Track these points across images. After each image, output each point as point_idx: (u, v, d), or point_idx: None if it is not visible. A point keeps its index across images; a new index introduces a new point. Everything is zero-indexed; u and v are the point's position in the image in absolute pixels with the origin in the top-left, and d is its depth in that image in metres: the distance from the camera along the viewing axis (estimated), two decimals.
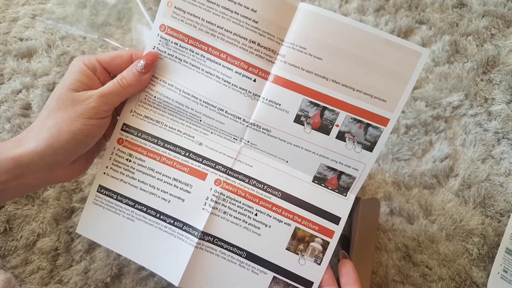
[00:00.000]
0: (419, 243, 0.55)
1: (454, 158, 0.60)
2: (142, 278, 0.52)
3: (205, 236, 0.40)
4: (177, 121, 0.41)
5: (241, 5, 0.38)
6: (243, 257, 0.40)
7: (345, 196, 0.40)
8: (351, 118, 0.38)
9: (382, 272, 0.54)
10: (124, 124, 0.42)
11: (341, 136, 0.39)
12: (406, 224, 0.56)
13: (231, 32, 0.39)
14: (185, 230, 0.41)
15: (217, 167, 0.41)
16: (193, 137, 0.41)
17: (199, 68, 0.40)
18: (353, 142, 0.39)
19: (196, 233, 0.40)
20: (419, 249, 0.55)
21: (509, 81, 0.63)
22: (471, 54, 0.66)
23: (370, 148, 0.39)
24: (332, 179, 0.40)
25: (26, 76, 0.61)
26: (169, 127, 0.41)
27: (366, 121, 0.38)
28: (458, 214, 0.57)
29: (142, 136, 0.42)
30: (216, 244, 0.40)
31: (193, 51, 0.40)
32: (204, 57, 0.40)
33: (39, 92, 0.60)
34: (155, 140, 0.41)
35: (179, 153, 0.41)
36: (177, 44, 0.40)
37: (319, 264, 0.40)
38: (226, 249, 0.40)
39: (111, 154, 0.42)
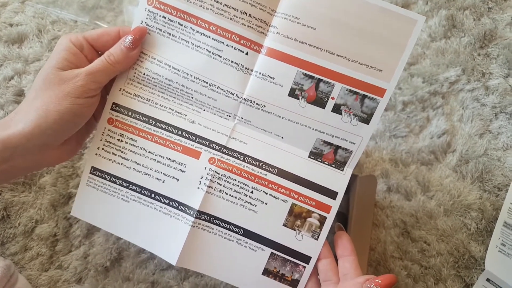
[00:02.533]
0: (417, 219, 0.55)
1: (452, 134, 0.60)
2: (142, 261, 0.52)
3: (201, 215, 0.40)
4: (168, 98, 0.41)
5: None
6: (240, 234, 0.40)
7: (342, 170, 0.40)
8: (347, 90, 0.38)
9: (381, 249, 0.54)
10: (113, 103, 0.41)
11: (337, 109, 0.38)
12: (404, 200, 0.56)
13: (221, 3, 0.38)
14: (181, 210, 0.41)
15: (211, 145, 0.40)
16: (185, 115, 0.41)
17: (188, 42, 0.39)
18: (349, 115, 0.38)
19: (192, 212, 0.40)
20: (417, 225, 0.55)
21: (507, 55, 0.63)
22: (468, 28, 0.65)
23: (366, 120, 0.38)
24: (329, 153, 0.40)
25: (17, 62, 0.61)
26: (160, 105, 0.41)
27: (362, 92, 0.38)
28: (456, 190, 0.57)
29: (133, 116, 0.41)
30: (213, 223, 0.40)
31: (182, 25, 0.39)
32: (194, 30, 0.39)
33: (32, 78, 0.60)
34: (146, 119, 0.41)
35: (172, 132, 0.41)
36: (165, 17, 0.39)
37: (317, 239, 0.40)
38: (222, 227, 0.40)
39: (102, 134, 0.41)
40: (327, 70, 0.38)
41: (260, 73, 0.39)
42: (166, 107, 0.41)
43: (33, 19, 0.63)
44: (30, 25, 0.63)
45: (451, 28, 0.65)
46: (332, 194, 0.40)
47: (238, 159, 0.40)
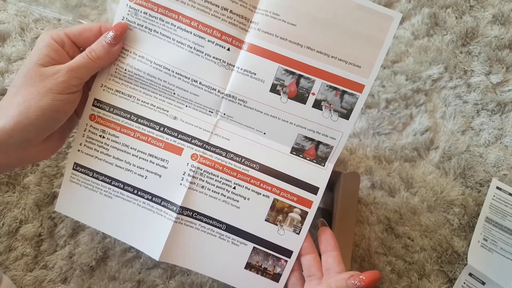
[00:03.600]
0: (400, 215, 0.56)
1: (435, 131, 0.61)
2: (128, 260, 0.52)
3: (183, 210, 0.40)
4: (150, 94, 0.41)
5: None
6: (222, 229, 0.41)
7: (323, 166, 0.41)
8: (327, 86, 0.38)
9: (365, 245, 0.54)
10: (95, 99, 0.41)
11: (317, 104, 0.39)
12: (388, 197, 0.57)
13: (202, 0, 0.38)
14: (163, 206, 0.41)
15: (193, 141, 0.40)
16: (167, 111, 0.41)
17: (170, 38, 0.39)
18: (330, 110, 0.39)
19: (174, 208, 0.40)
20: (401, 221, 0.56)
21: (488, 52, 0.64)
22: (450, 26, 0.66)
23: (346, 115, 0.39)
24: (310, 149, 0.40)
25: (0, 61, 0.60)
26: (142, 101, 0.41)
27: (341, 88, 0.38)
28: (439, 186, 0.58)
29: (115, 112, 0.41)
30: (195, 218, 0.41)
31: (163, 20, 0.39)
32: (175, 26, 0.39)
33: (14, 77, 0.59)
34: (128, 115, 0.41)
35: (154, 128, 0.41)
36: (146, 13, 0.39)
37: (298, 233, 0.40)
38: (205, 222, 0.41)
39: (84, 130, 0.41)
40: (307, 66, 0.38)
41: (241, 69, 0.39)
42: (148, 103, 0.41)
43: (15, 17, 0.63)
44: (13, 24, 0.62)
45: (433, 26, 0.66)
46: (313, 189, 0.40)
47: (221, 155, 0.40)
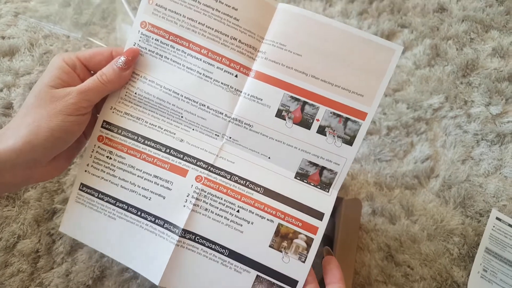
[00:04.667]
0: (401, 243, 0.56)
1: (435, 159, 0.61)
2: (125, 280, 0.52)
3: (186, 233, 0.40)
4: (158, 117, 0.41)
5: (223, 3, 0.39)
6: (225, 255, 0.40)
7: (328, 192, 0.41)
8: (331, 113, 0.39)
9: (365, 272, 0.54)
10: (104, 121, 0.41)
11: (321, 130, 0.40)
12: (388, 224, 0.57)
13: (212, 29, 0.39)
14: (166, 228, 0.41)
15: (198, 163, 0.41)
16: (174, 134, 0.41)
17: (180, 64, 0.40)
18: (334, 136, 0.40)
19: (176, 231, 0.40)
20: (401, 249, 0.56)
21: (488, 84, 0.65)
22: (451, 57, 0.67)
23: (350, 142, 0.40)
24: (314, 175, 0.40)
25: (7, 75, 0.60)
26: (150, 123, 0.41)
27: (345, 115, 0.39)
28: (439, 214, 0.58)
29: (122, 133, 0.41)
30: (198, 242, 0.40)
31: (174, 47, 0.40)
32: (185, 53, 0.40)
33: (21, 91, 0.59)
34: (136, 137, 0.41)
35: (160, 150, 0.41)
36: (157, 40, 0.40)
37: (304, 261, 0.40)
38: (207, 247, 0.40)
39: (92, 151, 0.42)
40: (312, 93, 0.39)
41: (248, 95, 0.40)
42: (156, 126, 0.41)
43: (25, 32, 0.63)
44: (22, 39, 0.63)
45: (435, 56, 0.67)
46: (318, 215, 0.40)
47: (225, 177, 0.40)
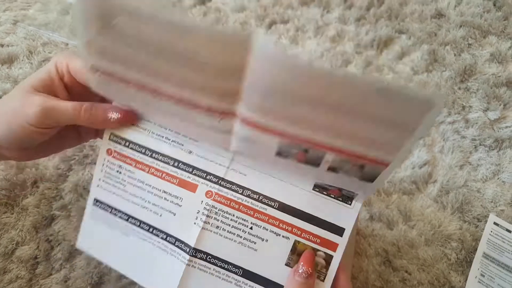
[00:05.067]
0: (398, 248, 0.56)
1: (433, 165, 0.61)
2: (123, 287, 0.52)
3: (197, 253, 0.37)
4: (165, 127, 0.39)
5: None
6: (239, 275, 0.37)
7: (350, 204, 0.37)
8: (342, 159, 0.31)
9: (363, 277, 0.54)
10: (111, 133, 0.40)
11: (333, 169, 0.33)
12: (386, 229, 0.57)
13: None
14: (177, 246, 0.38)
15: (208, 177, 0.38)
16: (182, 145, 0.39)
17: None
18: (349, 175, 0.33)
19: (187, 249, 0.37)
20: (399, 254, 0.56)
21: (486, 89, 0.65)
22: (449, 63, 0.67)
23: (370, 180, 0.32)
24: (333, 190, 0.36)
25: (6, 83, 0.61)
26: (157, 134, 0.39)
27: (360, 163, 0.31)
28: (437, 220, 0.58)
29: (130, 146, 0.40)
30: (209, 262, 0.37)
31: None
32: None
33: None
34: (143, 150, 0.39)
35: (168, 163, 0.39)
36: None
37: (323, 280, 0.36)
38: (220, 266, 0.37)
39: (102, 165, 0.40)
40: (315, 142, 0.31)
41: (240, 136, 0.34)
42: (163, 137, 0.39)
43: (24, 40, 0.64)
44: (21, 46, 0.63)
45: (433, 62, 0.67)
46: (338, 231, 0.37)
47: (237, 192, 0.37)
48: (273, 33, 0.71)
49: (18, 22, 0.65)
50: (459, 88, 0.66)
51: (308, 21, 0.71)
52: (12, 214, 0.54)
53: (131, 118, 0.37)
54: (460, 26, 0.69)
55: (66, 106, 0.35)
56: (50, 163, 0.58)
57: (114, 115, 0.36)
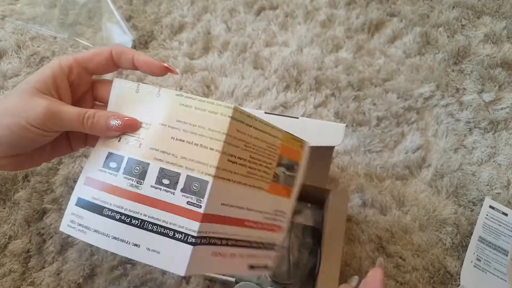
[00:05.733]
0: (392, 234, 0.56)
1: (427, 149, 0.60)
2: (115, 278, 0.52)
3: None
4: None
5: None
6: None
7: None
8: None
9: (356, 264, 0.54)
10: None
11: None
12: (379, 215, 0.57)
13: None
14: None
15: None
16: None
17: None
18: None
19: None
20: (393, 240, 0.55)
21: (480, 71, 0.64)
22: (442, 45, 0.66)
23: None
24: None
25: None
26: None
27: None
28: (431, 204, 0.57)
29: None
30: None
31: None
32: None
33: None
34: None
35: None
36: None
37: None
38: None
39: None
40: None
41: None
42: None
43: (12, 35, 0.64)
44: (9, 41, 0.63)
45: (425, 44, 0.66)
46: None
47: None
48: (262, 19, 0.70)
49: (6, 17, 0.65)
50: (453, 71, 0.65)
51: (298, 7, 0.70)
52: (4, 208, 0.55)
53: (131, 126, 0.35)
54: (453, 7, 0.68)
55: (71, 111, 0.34)
56: None
57: (115, 123, 0.34)
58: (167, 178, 0.33)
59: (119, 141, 0.35)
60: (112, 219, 0.33)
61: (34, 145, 0.36)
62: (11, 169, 0.38)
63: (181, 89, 0.64)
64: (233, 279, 0.46)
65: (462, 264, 0.54)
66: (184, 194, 0.32)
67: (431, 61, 0.65)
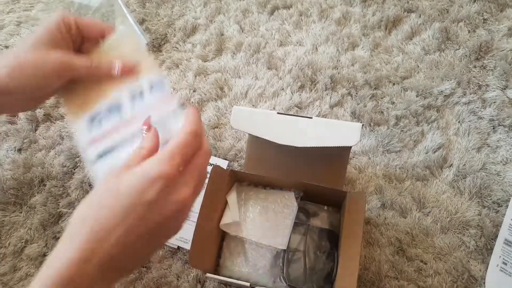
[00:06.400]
0: (413, 237, 0.54)
1: (448, 148, 0.58)
2: (130, 281, 0.52)
3: None
4: None
5: None
6: None
7: None
8: None
9: (375, 268, 0.52)
10: None
11: None
12: (399, 217, 0.55)
13: None
14: None
15: None
16: None
17: None
18: None
19: None
20: (413, 243, 0.53)
21: (504, 66, 0.61)
22: (463, 40, 0.64)
23: None
24: None
25: None
26: None
27: None
28: (453, 206, 0.55)
29: None
30: None
31: None
32: None
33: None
34: None
35: None
36: None
37: None
38: None
39: None
40: None
41: None
42: None
43: None
44: None
45: (445, 40, 0.64)
46: None
47: None
48: (275, 19, 0.69)
49: (22, 23, 0.66)
50: (475, 67, 0.62)
51: (312, 5, 0.69)
52: (21, 212, 0.55)
53: (130, 72, 0.40)
54: (474, 1, 0.66)
55: (80, 60, 0.39)
56: (55, 161, 0.58)
57: (116, 65, 0.40)
58: None
59: None
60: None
61: (47, 91, 0.40)
62: (19, 110, 0.45)
63: (194, 91, 0.64)
64: (247, 284, 0.45)
65: (487, 268, 0.52)
66: None
67: (452, 57, 0.62)
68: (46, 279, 0.30)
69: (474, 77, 0.62)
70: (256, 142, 0.52)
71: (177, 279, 0.52)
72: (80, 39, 0.41)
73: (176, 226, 0.35)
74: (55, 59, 0.38)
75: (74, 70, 0.39)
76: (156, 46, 0.67)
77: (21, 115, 0.60)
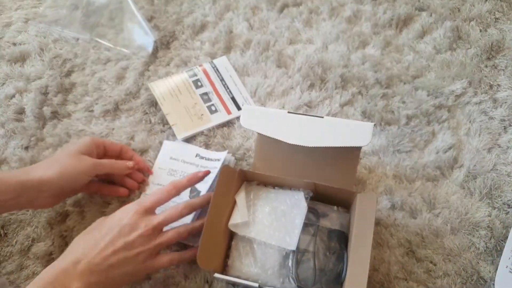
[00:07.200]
0: (422, 238, 0.53)
1: (459, 148, 0.58)
2: (136, 281, 0.51)
3: None
4: None
5: None
6: None
7: None
8: None
9: (384, 269, 0.52)
10: None
11: None
12: (409, 218, 0.54)
13: None
14: None
15: None
16: None
17: None
18: None
19: None
20: (423, 244, 0.53)
21: None
22: (475, 39, 0.63)
23: None
24: None
25: (19, 81, 0.61)
26: None
27: None
28: (464, 207, 0.54)
29: None
30: None
31: None
32: None
33: (32, 96, 0.60)
34: None
35: None
36: None
37: None
38: None
39: None
40: None
41: None
42: None
43: (35, 38, 0.64)
44: (33, 44, 0.64)
45: (456, 39, 0.63)
46: None
47: None
48: (285, 16, 0.68)
49: (30, 20, 0.65)
50: (486, 66, 0.62)
51: (322, 2, 0.68)
52: (28, 211, 0.55)
53: (142, 167, 0.59)
54: (486, 0, 0.65)
55: (105, 161, 0.54)
56: None
57: (130, 164, 0.56)
58: None
59: None
60: None
61: (78, 186, 0.52)
62: (46, 206, 0.52)
63: None
64: (256, 284, 0.45)
65: (496, 270, 0.52)
66: None
67: (463, 56, 0.62)
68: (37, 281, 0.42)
69: (485, 76, 0.61)
70: (265, 142, 0.51)
71: (185, 280, 0.51)
72: (103, 154, 0.56)
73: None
74: (88, 160, 0.51)
75: (102, 166, 0.52)
76: (165, 43, 0.66)
77: (28, 112, 0.60)
